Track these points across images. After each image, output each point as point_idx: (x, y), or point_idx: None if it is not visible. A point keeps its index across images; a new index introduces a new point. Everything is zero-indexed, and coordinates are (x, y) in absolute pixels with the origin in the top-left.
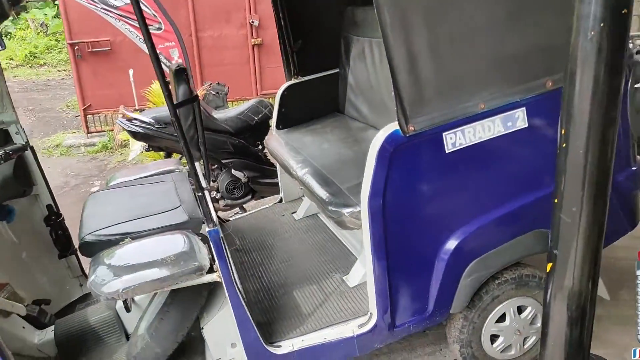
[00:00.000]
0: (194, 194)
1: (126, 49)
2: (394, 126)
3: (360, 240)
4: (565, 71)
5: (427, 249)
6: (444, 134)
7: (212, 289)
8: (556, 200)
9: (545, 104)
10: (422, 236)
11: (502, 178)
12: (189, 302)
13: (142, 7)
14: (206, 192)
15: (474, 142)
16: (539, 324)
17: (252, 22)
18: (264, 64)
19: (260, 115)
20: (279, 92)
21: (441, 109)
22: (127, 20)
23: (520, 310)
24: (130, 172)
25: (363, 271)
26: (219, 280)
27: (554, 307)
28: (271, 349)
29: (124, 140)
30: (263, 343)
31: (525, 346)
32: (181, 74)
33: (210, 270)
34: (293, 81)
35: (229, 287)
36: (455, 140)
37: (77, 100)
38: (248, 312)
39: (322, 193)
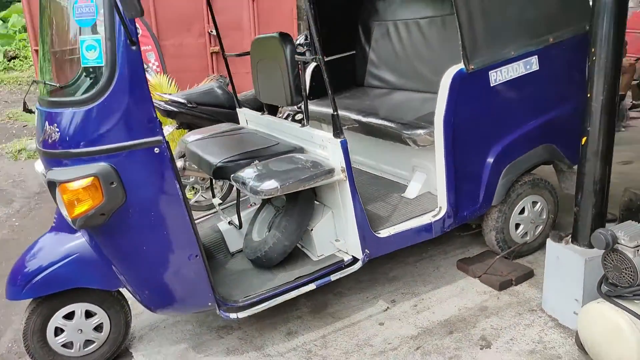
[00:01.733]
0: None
1: None
2: (459, 66)
3: (406, 167)
4: (593, 13)
5: (479, 158)
6: (489, 72)
7: (317, 203)
8: (589, 95)
9: (550, 53)
10: (475, 148)
11: (524, 106)
12: (305, 207)
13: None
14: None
15: (507, 79)
16: (544, 216)
17: (210, 31)
18: (222, 70)
19: None
20: (309, 70)
21: (488, 54)
22: None
23: (534, 205)
24: (200, 132)
25: (418, 186)
26: (344, 179)
27: (588, 165)
28: (375, 234)
29: None
30: (371, 230)
31: (536, 233)
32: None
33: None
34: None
35: (351, 184)
36: (496, 77)
37: (16, 112)
38: (362, 204)
39: (395, 125)
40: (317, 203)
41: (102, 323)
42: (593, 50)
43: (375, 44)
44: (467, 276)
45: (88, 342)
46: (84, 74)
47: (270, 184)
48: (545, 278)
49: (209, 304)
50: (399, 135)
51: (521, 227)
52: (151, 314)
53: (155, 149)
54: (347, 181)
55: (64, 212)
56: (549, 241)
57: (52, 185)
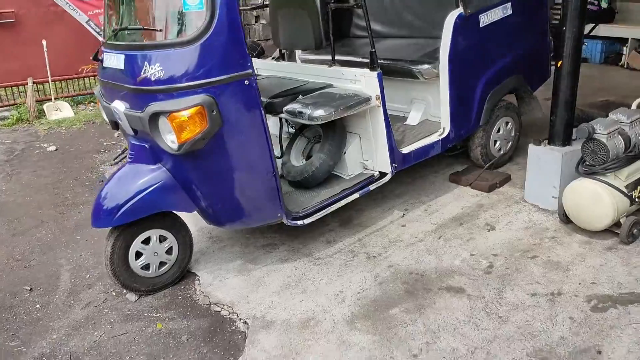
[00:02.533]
0: None
1: (33, 21)
2: (458, 11)
3: (404, 101)
4: None
5: (472, 87)
6: (479, 15)
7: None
8: (564, 28)
9: (519, 1)
10: (469, 79)
11: (502, 43)
12: (342, 132)
13: None
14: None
15: (491, 21)
16: (513, 134)
17: None
18: None
19: None
20: None
21: (478, 1)
22: None
23: (506, 124)
24: None
25: (419, 114)
26: (379, 105)
27: (562, 82)
28: (400, 150)
29: (39, 111)
30: (398, 148)
31: (507, 148)
32: None
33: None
34: None
35: (384, 109)
36: (484, 19)
37: None
38: (390, 125)
39: (404, 62)
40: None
41: (172, 246)
42: None
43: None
44: (460, 186)
45: (161, 264)
46: (185, 18)
47: (325, 111)
48: (527, 174)
49: (278, 215)
50: (408, 71)
51: (498, 143)
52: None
53: (246, 80)
54: (381, 107)
55: (170, 139)
56: (530, 146)
57: (154, 116)
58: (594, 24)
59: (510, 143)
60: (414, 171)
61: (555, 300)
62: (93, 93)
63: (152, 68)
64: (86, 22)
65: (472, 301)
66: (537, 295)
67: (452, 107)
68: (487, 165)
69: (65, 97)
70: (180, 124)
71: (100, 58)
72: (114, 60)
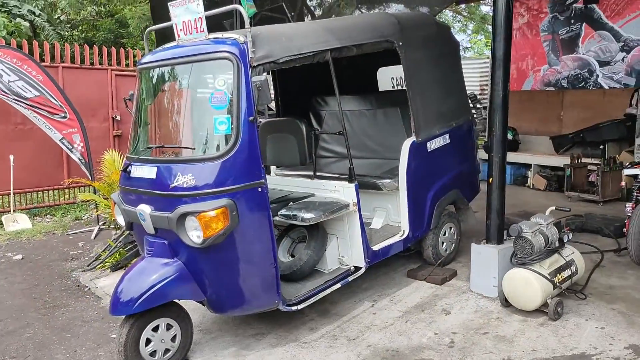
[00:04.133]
0: None
1: (1, 137)
2: (412, 139)
3: (368, 209)
4: (490, 109)
5: (423, 197)
6: (427, 142)
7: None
8: (491, 155)
9: (454, 132)
10: (421, 191)
11: (444, 165)
12: (324, 232)
13: (49, 98)
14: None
15: (435, 148)
16: (455, 237)
17: (115, 117)
18: (123, 150)
19: None
20: None
21: (426, 132)
22: (35, 109)
23: (450, 228)
24: None
25: (380, 220)
26: (355, 211)
27: (493, 195)
28: (371, 247)
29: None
30: (370, 247)
31: (451, 249)
32: None
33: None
34: None
35: (359, 214)
36: (430, 146)
37: None
38: (364, 228)
39: (371, 177)
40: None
41: (176, 334)
42: (492, 129)
43: (326, 126)
44: (416, 280)
45: (166, 351)
46: (213, 140)
47: (315, 214)
48: (472, 268)
49: (275, 301)
50: (373, 184)
51: (444, 244)
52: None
53: (259, 188)
54: (357, 212)
55: (195, 234)
56: (473, 245)
57: (183, 216)
58: None
59: (454, 244)
60: (376, 269)
61: None
62: (51, 205)
63: (184, 177)
64: (60, 139)
65: None
66: None
67: (410, 213)
68: (438, 262)
69: (23, 209)
70: (207, 222)
71: (128, 170)
72: (145, 172)
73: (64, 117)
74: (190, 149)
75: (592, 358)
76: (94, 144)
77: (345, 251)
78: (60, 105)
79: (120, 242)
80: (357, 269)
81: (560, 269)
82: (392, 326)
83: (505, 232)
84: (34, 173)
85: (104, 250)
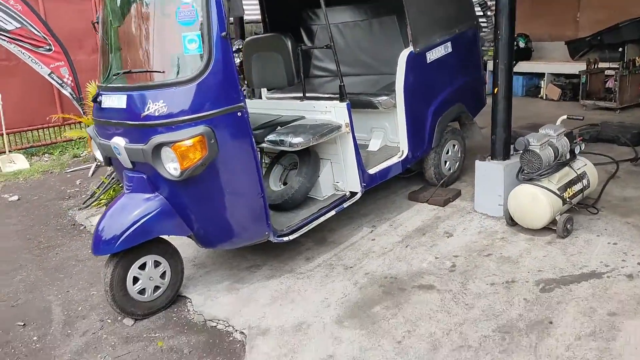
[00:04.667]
0: None
1: None
2: (409, 49)
3: (365, 130)
4: (496, 11)
5: (423, 114)
6: (426, 53)
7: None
8: (497, 60)
9: (457, 40)
10: (421, 107)
11: (446, 76)
12: (316, 158)
13: (32, 30)
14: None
15: (435, 58)
16: (459, 155)
17: None
18: None
19: None
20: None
21: (424, 41)
22: (18, 42)
23: (453, 146)
24: None
25: (378, 141)
26: (348, 132)
27: (499, 105)
28: (367, 171)
29: None
30: (366, 170)
31: (455, 167)
32: None
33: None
34: None
35: (353, 135)
36: (430, 56)
37: None
38: (359, 151)
39: (366, 95)
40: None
41: (165, 271)
42: (498, 32)
43: (317, 42)
44: (418, 202)
45: (156, 288)
46: (184, 60)
47: (303, 138)
48: (476, 187)
49: (266, 233)
50: (369, 102)
51: (447, 163)
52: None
53: (238, 112)
54: (350, 134)
55: (172, 167)
56: (477, 162)
57: (158, 147)
58: (514, 61)
59: (458, 163)
60: (375, 193)
61: (510, 287)
62: (47, 144)
63: (156, 105)
64: (48, 74)
65: (441, 294)
66: (495, 285)
67: (409, 131)
68: (440, 182)
69: (19, 150)
70: (183, 153)
71: (98, 100)
72: (115, 101)
73: (49, 49)
74: (160, 72)
75: (602, 276)
76: (83, 77)
77: (340, 176)
78: (44, 37)
79: (112, 178)
80: (353, 194)
81: (570, 183)
82: (391, 252)
83: (512, 147)
84: (26, 112)
85: (98, 188)
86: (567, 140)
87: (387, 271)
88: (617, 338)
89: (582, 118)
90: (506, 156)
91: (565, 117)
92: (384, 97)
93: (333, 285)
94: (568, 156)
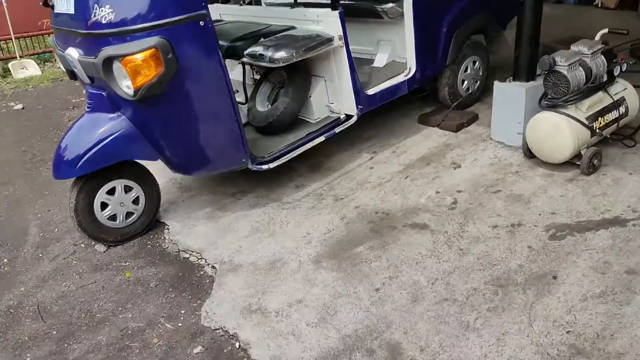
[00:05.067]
0: None
1: None
2: None
3: (371, 43)
4: None
5: (436, 26)
6: None
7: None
8: None
9: None
10: (433, 18)
11: None
12: (306, 75)
13: None
14: None
15: None
16: (481, 73)
17: None
18: None
19: None
20: None
21: None
22: None
23: (474, 63)
24: None
25: (385, 56)
26: (342, 46)
27: (526, 17)
28: (366, 92)
29: (5, 69)
30: (363, 90)
31: (475, 87)
32: None
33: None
34: None
35: (347, 50)
36: None
37: None
38: (355, 65)
39: (365, 3)
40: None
41: (138, 196)
42: None
43: None
44: (428, 127)
45: (129, 214)
46: None
47: (286, 52)
48: (493, 112)
49: (243, 160)
50: (372, 10)
51: (465, 82)
52: (168, 193)
53: (201, 22)
54: (344, 48)
55: (125, 84)
56: (496, 82)
57: (108, 61)
58: None
59: (478, 83)
60: (383, 114)
61: (515, 231)
62: None
63: (102, 10)
64: None
65: (435, 236)
66: (498, 227)
67: (418, 45)
68: (454, 104)
69: (31, 55)
70: (134, 68)
71: (50, 4)
72: (65, 5)
73: None
74: None
75: (627, 224)
76: None
77: (335, 97)
78: None
79: None
80: (348, 117)
81: (603, 111)
82: (388, 183)
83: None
84: (34, 15)
85: None
86: (604, 60)
87: (379, 205)
88: (632, 302)
89: (626, 32)
90: (530, 77)
91: (606, 30)
92: (390, 5)
93: (319, 218)
94: (605, 78)
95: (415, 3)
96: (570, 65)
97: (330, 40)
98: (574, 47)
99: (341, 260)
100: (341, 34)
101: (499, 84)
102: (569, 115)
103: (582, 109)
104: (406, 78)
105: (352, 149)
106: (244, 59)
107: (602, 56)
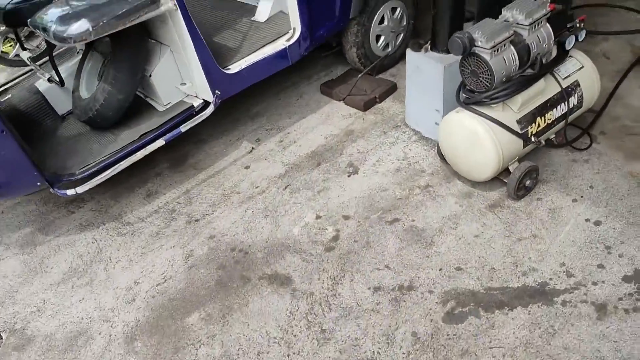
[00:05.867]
0: None
1: None
2: None
3: None
4: None
5: None
6: None
7: (153, 42)
8: None
9: None
10: None
11: None
12: (136, 49)
13: None
14: None
15: None
16: (404, 22)
17: None
18: None
19: None
20: None
21: None
22: None
23: (393, 11)
24: None
25: (269, 5)
26: (174, 8)
27: None
28: (225, 71)
29: None
30: (220, 68)
31: (397, 42)
32: None
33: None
34: None
35: (185, 17)
36: None
37: None
38: (203, 39)
39: None
40: (153, 42)
41: None
42: None
43: None
44: (332, 100)
45: None
46: None
47: (80, 26)
48: (406, 91)
49: (38, 183)
50: None
51: (382, 38)
52: None
53: None
54: (179, 11)
55: None
56: (408, 51)
57: None
58: None
59: (402, 36)
60: (281, 78)
61: (402, 299)
62: None
63: None
64: None
65: (295, 302)
66: (381, 291)
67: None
68: (366, 70)
69: None
70: None
71: None
72: None
73: None
74: None
75: (555, 301)
76: None
77: (187, 75)
78: None
79: None
80: (207, 104)
81: (545, 107)
82: (261, 196)
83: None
84: None
85: None
86: (550, 29)
87: (240, 236)
88: None
89: None
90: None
91: None
92: None
93: (159, 254)
94: (553, 54)
95: None
96: (495, 46)
97: (154, 2)
98: (505, 13)
99: (163, 338)
100: None
101: (412, 54)
102: (492, 119)
103: (513, 108)
104: (288, 44)
105: (232, 132)
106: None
107: (548, 25)
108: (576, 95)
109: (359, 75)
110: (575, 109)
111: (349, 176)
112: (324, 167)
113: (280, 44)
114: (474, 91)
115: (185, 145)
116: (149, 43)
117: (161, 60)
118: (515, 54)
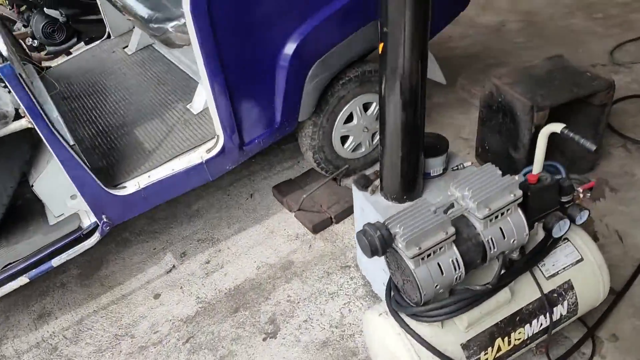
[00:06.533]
0: None
1: None
2: None
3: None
4: None
5: (266, 58)
6: None
7: (35, 142)
8: None
9: None
10: (257, 45)
11: None
12: (6, 159)
13: None
14: None
15: None
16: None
17: None
18: None
19: None
20: None
21: None
22: None
23: (365, 107)
24: None
25: (202, 96)
26: (30, 125)
27: (388, 90)
28: (114, 192)
29: None
30: (104, 187)
31: (374, 142)
32: None
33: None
34: None
35: (43, 132)
36: None
37: None
38: (77, 157)
39: (143, 10)
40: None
41: None
42: None
43: None
44: (283, 209)
45: None
46: None
47: None
48: (356, 231)
49: None
50: (145, 28)
51: (350, 139)
52: None
53: None
54: (37, 129)
55: None
56: (353, 187)
57: None
58: None
59: (377, 134)
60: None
61: None
62: None
63: None
64: None
65: None
66: None
67: (223, 97)
68: (329, 177)
69: None
70: None
71: None
72: None
73: None
74: None
75: None
76: None
77: (74, 188)
78: None
79: None
80: (94, 229)
81: (515, 322)
82: (155, 348)
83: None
84: None
85: None
86: (522, 219)
87: None
88: None
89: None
90: (408, 194)
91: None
92: (172, 23)
93: None
94: (535, 240)
95: (201, 18)
96: (420, 254)
97: (2, 117)
98: (453, 191)
99: None
100: (22, 106)
101: (357, 192)
102: (424, 343)
103: (460, 325)
104: (207, 157)
105: (162, 235)
106: None
107: (520, 212)
108: (566, 302)
109: (317, 187)
110: (565, 320)
111: (264, 340)
112: (240, 316)
113: (198, 156)
114: (401, 301)
115: (107, 244)
116: (34, 148)
117: (48, 166)
118: (459, 259)
